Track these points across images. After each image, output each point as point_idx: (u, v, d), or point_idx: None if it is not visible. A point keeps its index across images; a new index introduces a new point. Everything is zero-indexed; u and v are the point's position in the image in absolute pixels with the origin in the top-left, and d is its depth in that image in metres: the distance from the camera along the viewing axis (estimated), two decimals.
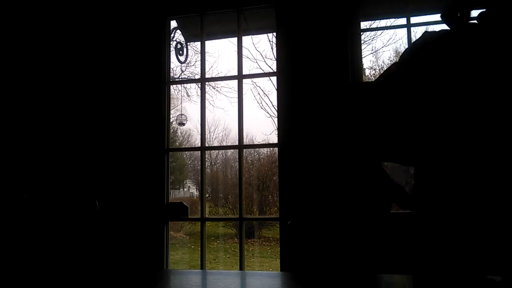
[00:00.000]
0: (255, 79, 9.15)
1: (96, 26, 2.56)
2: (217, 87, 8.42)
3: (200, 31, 2.50)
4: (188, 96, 8.80)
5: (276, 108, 2.32)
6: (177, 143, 10.38)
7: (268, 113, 8.55)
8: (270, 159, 8.81)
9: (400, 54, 1.30)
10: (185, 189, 11.36)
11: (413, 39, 2.03)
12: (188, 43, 2.98)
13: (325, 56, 2.20)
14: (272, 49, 8.05)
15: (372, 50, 7.79)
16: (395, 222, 2.01)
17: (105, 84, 2.51)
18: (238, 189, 2.38)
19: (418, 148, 1.16)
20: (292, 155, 2.20)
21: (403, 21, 2.27)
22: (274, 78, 2.57)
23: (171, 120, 3.28)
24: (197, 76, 5.97)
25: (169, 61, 2.54)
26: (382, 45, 8.06)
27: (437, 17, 2.71)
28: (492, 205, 1.10)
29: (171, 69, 2.58)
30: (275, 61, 2.36)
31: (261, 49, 11.51)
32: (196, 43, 3.72)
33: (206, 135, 2.56)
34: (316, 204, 2.13)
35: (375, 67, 8.09)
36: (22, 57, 2.63)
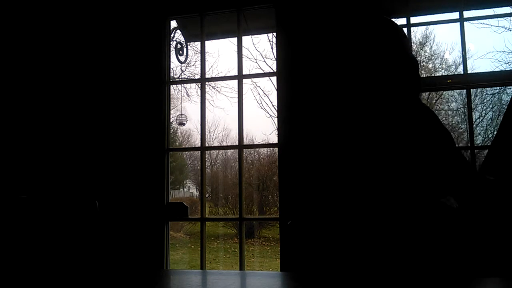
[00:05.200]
0: (255, 79, 9.17)
1: (96, 26, 2.56)
2: (217, 87, 8.43)
3: (200, 31, 2.50)
4: (188, 96, 8.81)
5: (276, 108, 2.32)
6: (177, 143, 10.38)
7: (268, 113, 8.56)
8: (270, 159, 8.82)
9: None
10: (185, 189, 11.37)
11: (413, 39, 2.04)
12: (188, 43, 2.98)
13: (324, 56, 2.20)
14: (272, 49, 8.07)
15: None
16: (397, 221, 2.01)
17: (105, 84, 2.51)
18: (238, 189, 2.38)
19: None
20: (292, 155, 2.20)
21: (403, 21, 2.28)
22: (274, 78, 2.57)
23: (171, 120, 3.28)
24: (197, 76, 5.97)
25: (169, 61, 2.54)
26: None
27: (437, 17, 2.71)
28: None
29: (171, 69, 2.58)
30: (275, 61, 2.36)
31: (261, 49, 11.53)
32: (196, 43, 3.72)
33: (206, 135, 2.56)
34: (316, 204, 2.13)
35: None
36: (22, 57, 2.63)
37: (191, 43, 3.58)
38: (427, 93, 6.64)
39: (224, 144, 10.94)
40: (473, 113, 2.89)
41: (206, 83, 2.79)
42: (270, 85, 9.26)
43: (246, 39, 8.08)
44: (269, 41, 7.98)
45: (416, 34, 7.32)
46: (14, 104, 2.60)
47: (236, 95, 2.43)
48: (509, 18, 4.73)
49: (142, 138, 2.41)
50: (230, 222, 7.80)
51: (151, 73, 2.45)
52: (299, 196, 2.16)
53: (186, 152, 12.36)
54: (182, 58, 2.86)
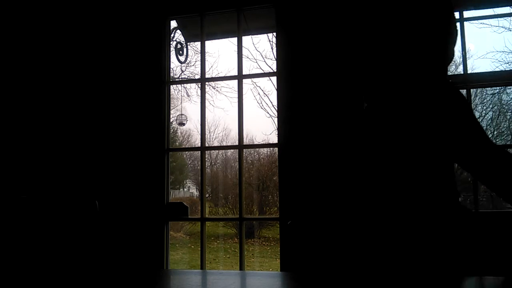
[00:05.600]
0: (255, 79, 9.18)
1: (96, 26, 2.56)
2: (217, 87, 8.44)
3: (200, 31, 2.50)
4: (188, 96, 8.83)
5: (276, 108, 2.32)
6: (177, 143, 10.39)
7: (268, 113, 8.57)
8: (270, 159, 8.82)
9: None
10: (185, 189, 11.37)
11: None
12: (188, 43, 2.98)
13: (325, 56, 2.20)
14: (272, 49, 8.08)
15: None
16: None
17: (105, 84, 2.51)
18: (238, 189, 2.38)
19: None
20: (292, 155, 2.20)
21: None
22: (274, 78, 2.57)
23: (171, 120, 3.28)
24: (197, 76, 5.97)
25: (169, 61, 2.54)
26: None
27: None
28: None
29: (171, 69, 2.58)
30: (275, 61, 2.36)
31: (261, 49, 11.56)
32: (196, 43, 3.72)
33: (206, 135, 2.56)
34: (316, 204, 2.13)
35: None
36: (22, 57, 2.63)
37: (191, 43, 3.58)
38: None
39: (224, 144, 10.95)
40: None
41: (206, 83, 2.79)
42: (270, 85, 9.28)
43: (246, 39, 8.09)
44: (269, 41, 8.00)
45: None
46: (14, 104, 2.60)
47: (236, 95, 2.43)
48: (509, 18, 4.73)
49: (142, 138, 2.41)
50: (230, 222, 7.80)
51: (151, 73, 2.45)
52: (299, 196, 2.16)
53: (186, 152, 12.37)
54: (182, 58, 2.86)
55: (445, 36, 1.20)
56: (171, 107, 6.28)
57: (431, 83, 1.19)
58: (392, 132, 1.18)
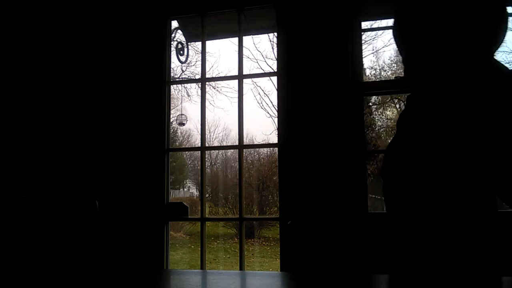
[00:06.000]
0: (255, 79, 9.20)
1: (97, 26, 2.56)
2: (217, 87, 8.46)
3: (201, 31, 2.50)
4: (188, 96, 8.84)
5: (276, 108, 2.32)
6: (177, 143, 10.40)
7: (268, 113, 8.59)
8: (270, 159, 8.83)
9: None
10: (185, 189, 11.38)
11: None
12: (188, 43, 2.98)
13: (325, 56, 2.20)
14: (272, 49, 8.09)
15: (373, 50, 7.80)
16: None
17: (105, 84, 2.51)
18: (238, 189, 2.39)
19: None
20: (292, 155, 2.20)
21: None
22: (274, 78, 2.57)
23: (171, 120, 3.28)
24: (198, 76, 5.97)
25: (170, 61, 2.54)
26: (383, 45, 8.08)
27: None
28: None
29: (171, 69, 2.58)
30: (276, 61, 2.36)
31: (262, 49, 11.58)
32: (196, 43, 3.72)
33: (206, 135, 2.56)
34: (316, 204, 2.13)
35: (375, 67, 8.10)
36: (22, 57, 2.63)
37: (192, 43, 3.58)
38: None
39: (224, 144, 10.95)
40: None
41: (207, 83, 2.79)
42: (270, 85, 9.29)
43: (246, 39, 8.06)
44: (270, 41, 8.00)
45: None
46: (14, 104, 2.60)
47: (236, 95, 2.43)
48: (509, 18, 4.72)
49: (142, 138, 2.42)
50: (230, 222, 7.81)
51: (151, 73, 2.45)
52: (299, 196, 2.16)
53: (186, 152, 12.37)
54: (182, 58, 2.86)
55: (495, 24, 1.16)
56: (171, 107, 6.29)
57: (479, 70, 1.12)
58: (439, 121, 1.10)
